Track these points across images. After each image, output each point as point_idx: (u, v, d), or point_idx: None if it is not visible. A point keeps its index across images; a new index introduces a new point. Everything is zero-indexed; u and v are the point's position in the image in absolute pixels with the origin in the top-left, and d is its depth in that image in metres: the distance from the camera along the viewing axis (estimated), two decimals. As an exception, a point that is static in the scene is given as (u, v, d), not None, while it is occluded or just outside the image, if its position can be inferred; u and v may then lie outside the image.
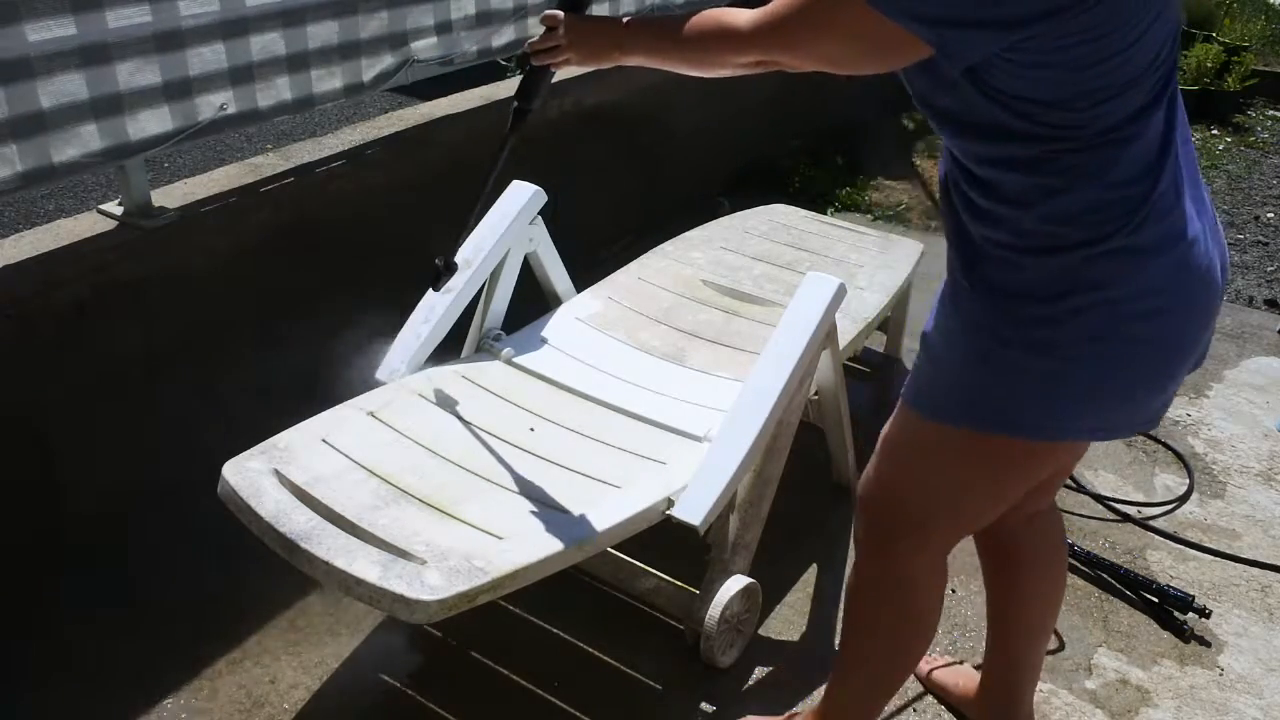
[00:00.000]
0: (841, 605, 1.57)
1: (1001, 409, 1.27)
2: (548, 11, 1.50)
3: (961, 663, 1.94)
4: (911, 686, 1.93)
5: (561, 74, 3.39)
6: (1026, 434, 1.28)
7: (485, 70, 3.07)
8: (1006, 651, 1.71)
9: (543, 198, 2.28)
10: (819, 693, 1.77)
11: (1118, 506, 2.44)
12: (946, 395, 1.32)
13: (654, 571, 1.98)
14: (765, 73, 1.28)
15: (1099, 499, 2.46)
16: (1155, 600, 2.13)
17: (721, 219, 2.91)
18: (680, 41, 1.32)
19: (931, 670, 1.92)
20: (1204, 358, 1.35)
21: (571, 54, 1.48)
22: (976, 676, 1.83)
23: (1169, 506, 2.45)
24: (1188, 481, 2.54)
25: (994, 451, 1.31)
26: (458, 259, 1.93)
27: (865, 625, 1.53)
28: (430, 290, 2.03)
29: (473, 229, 1.87)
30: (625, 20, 1.43)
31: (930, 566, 1.47)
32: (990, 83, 1.11)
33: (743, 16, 1.24)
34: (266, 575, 1.94)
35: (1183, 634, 2.08)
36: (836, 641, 1.86)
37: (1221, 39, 5.59)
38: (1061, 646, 2.02)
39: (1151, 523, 2.38)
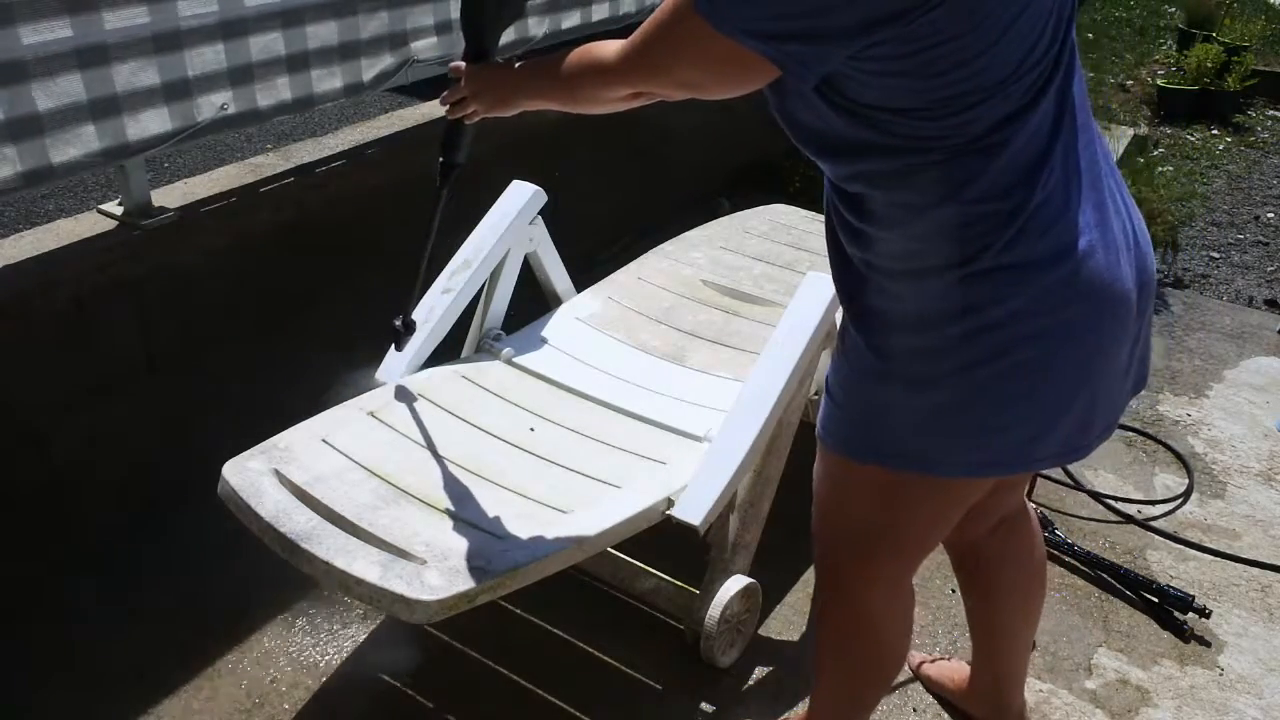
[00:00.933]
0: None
1: (891, 443, 1.24)
2: (453, 63, 1.50)
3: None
4: (913, 686, 1.93)
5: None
6: (920, 469, 1.23)
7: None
8: (990, 655, 1.71)
9: (543, 198, 2.28)
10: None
11: (1119, 507, 2.43)
12: (847, 430, 1.29)
13: (654, 571, 1.98)
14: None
15: (1099, 498, 2.45)
16: (1155, 600, 2.13)
17: (721, 219, 2.91)
18: (561, 81, 1.29)
19: (928, 667, 1.92)
20: (1144, 378, 1.30)
21: (477, 104, 1.47)
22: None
23: (1169, 507, 2.45)
24: (1187, 481, 2.53)
25: (902, 485, 1.27)
26: (462, 258, 1.95)
27: (831, 653, 1.52)
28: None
29: (423, 288, 1.90)
30: (518, 65, 1.41)
31: (888, 596, 1.44)
32: (844, 94, 1.07)
33: (610, 49, 1.20)
34: (266, 575, 1.94)
35: (1183, 634, 2.08)
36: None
37: (1221, 39, 5.59)
38: (1032, 646, 1.99)
39: (1151, 523, 2.39)
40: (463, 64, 1.49)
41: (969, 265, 1.11)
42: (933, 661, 1.94)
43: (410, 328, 1.86)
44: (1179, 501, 2.46)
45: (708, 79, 1.13)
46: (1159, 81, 5.48)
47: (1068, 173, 1.10)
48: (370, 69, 2.47)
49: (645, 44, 1.14)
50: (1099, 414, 1.23)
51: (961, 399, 1.18)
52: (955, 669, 1.89)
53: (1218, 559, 2.28)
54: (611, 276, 2.54)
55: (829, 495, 1.39)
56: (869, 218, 1.16)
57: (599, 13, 3.16)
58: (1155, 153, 4.88)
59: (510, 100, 1.43)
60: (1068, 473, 2.52)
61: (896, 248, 1.16)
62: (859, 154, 1.12)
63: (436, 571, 1.51)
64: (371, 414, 1.91)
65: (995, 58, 1.02)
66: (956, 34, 0.99)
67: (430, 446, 1.85)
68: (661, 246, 2.70)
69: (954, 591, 2.16)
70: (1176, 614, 2.11)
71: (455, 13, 2.64)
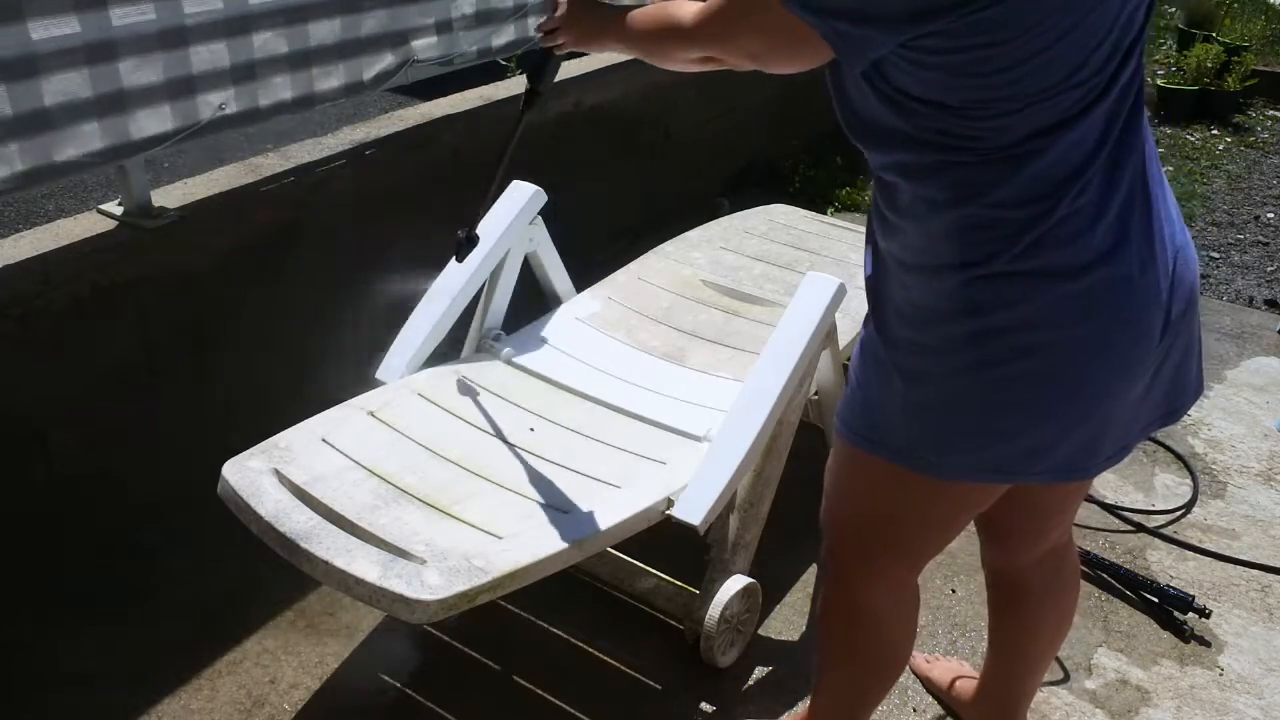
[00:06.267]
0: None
1: (891, 435, 1.24)
2: None
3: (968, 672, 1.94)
4: (913, 686, 1.93)
5: (562, 74, 3.39)
6: (913, 465, 1.23)
7: (485, 70, 3.07)
8: (1006, 675, 1.69)
9: (543, 198, 2.28)
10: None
11: (1128, 515, 2.41)
12: (857, 418, 1.30)
13: (654, 571, 1.98)
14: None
15: (1111, 510, 2.43)
16: (1155, 600, 2.13)
17: (721, 219, 2.91)
18: (642, 32, 1.31)
19: (928, 668, 1.92)
20: (1177, 409, 1.27)
21: (565, 35, 1.47)
22: (975, 677, 1.83)
23: (1175, 514, 2.43)
24: (1190, 484, 2.52)
25: (901, 480, 1.27)
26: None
27: (832, 651, 1.52)
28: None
29: (490, 205, 1.88)
30: (616, 5, 1.42)
31: (891, 594, 1.44)
32: (889, 81, 1.08)
33: (688, 10, 1.22)
34: (266, 575, 1.94)
35: (1183, 634, 2.08)
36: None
37: (1221, 39, 5.58)
38: (1066, 677, 1.97)
39: (1152, 524, 2.38)
40: None
41: (979, 267, 1.11)
42: (932, 662, 1.94)
43: (473, 241, 1.85)
44: (1181, 512, 2.44)
45: (768, 50, 1.14)
46: (1159, 81, 5.48)
47: (1107, 190, 1.09)
48: (370, 69, 2.47)
49: (716, 9, 1.16)
50: (1107, 437, 1.21)
51: (955, 400, 1.18)
52: (957, 672, 1.89)
53: (1218, 559, 2.28)
54: (611, 276, 2.54)
55: (837, 484, 1.40)
56: (896, 209, 1.18)
57: None
58: (1155, 153, 4.87)
59: (596, 38, 1.43)
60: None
61: (915, 241, 1.17)
62: (895, 144, 1.13)
63: (436, 571, 1.51)
64: (371, 414, 1.91)
65: (1039, 68, 1.02)
66: (1003, 38, 0.99)
67: (430, 446, 1.85)
68: (661, 246, 2.70)
69: (954, 592, 2.16)
70: (1176, 614, 2.11)
71: (455, 13, 2.64)
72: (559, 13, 1.47)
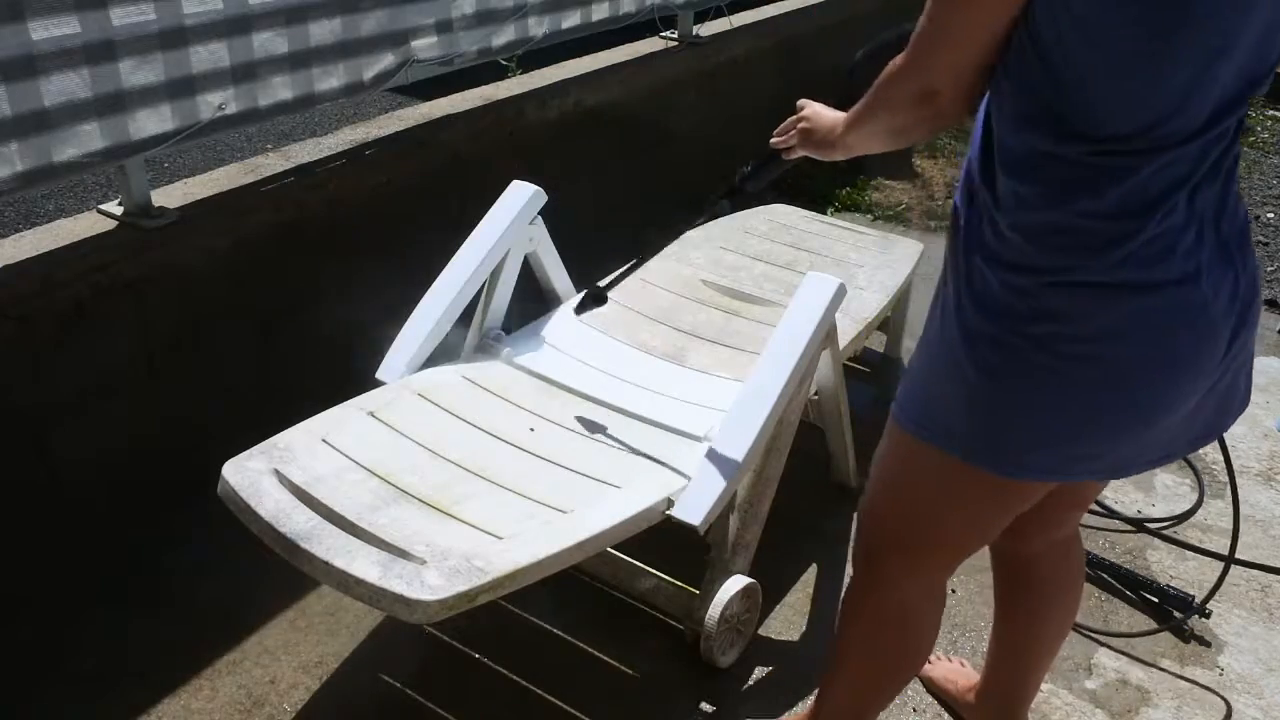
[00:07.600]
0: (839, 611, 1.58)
1: (949, 426, 1.25)
2: (801, 100, 1.57)
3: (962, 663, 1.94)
4: (913, 686, 1.93)
5: (562, 74, 3.39)
6: (969, 459, 1.24)
7: (485, 70, 3.07)
8: (1009, 673, 1.70)
9: (543, 198, 2.28)
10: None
11: (1134, 518, 2.41)
12: (914, 405, 1.31)
13: (654, 571, 1.98)
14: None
15: (1114, 515, 2.43)
16: (1155, 600, 2.13)
17: (721, 219, 2.91)
18: (865, 107, 1.31)
19: (929, 668, 1.92)
20: (1221, 425, 1.28)
21: (803, 138, 1.55)
22: (975, 677, 1.83)
23: (1178, 517, 2.43)
24: (1196, 485, 2.52)
25: (953, 473, 1.27)
26: (462, 258, 1.94)
27: (855, 642, 1.52)
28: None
29: (635, 268, 2.02)
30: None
31: (923, 590, 1.45)
32: (1036, 43, 1.07)
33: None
34: (266, 575, 1.94)
35: (1183, 634, 2.08)
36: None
37: (1221, 39, 5.57)
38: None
39: (1154, 527, 2.38)
40: (808, 101, 1.56)
41: (1063, 274, 1.12)
42: (933, 662, 1.94)
43: (601, 300, 1.97)
44: (1187, 514, 2.44)
45: (953, 14, 1.12)
46: (1159, 81, 5.48)
47: (1191, 215, 1.10)
48: (370, 69, 2.47)
49: (922, 19, 1.15)
50: (1155, 445, 1.23)
51: (1021, 399, 1.19)
52: (958, 672, 1.89)
53: (1219, 559, 2.28)
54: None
55: (885, 473, 1.40)
56: (989, 197, 1.17)
57: (599, 12, 3.16)
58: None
59: (829, 145, 1.48)
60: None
61: (1001, 233, 1.17)
62: (1008, 128, 1.13)
63: (436, 571, 1.51)
64: (371, 414, 1.91)
65: (1152, 67, 1.02)
66: (1112, 23, 1.00)
67: (430, 446, 1.85)
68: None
69: (954, 592, 2.16)
70: (1176, 614, 2.11)
71: (455, 13, 2.63)
72: (801, 125, 1.55)
